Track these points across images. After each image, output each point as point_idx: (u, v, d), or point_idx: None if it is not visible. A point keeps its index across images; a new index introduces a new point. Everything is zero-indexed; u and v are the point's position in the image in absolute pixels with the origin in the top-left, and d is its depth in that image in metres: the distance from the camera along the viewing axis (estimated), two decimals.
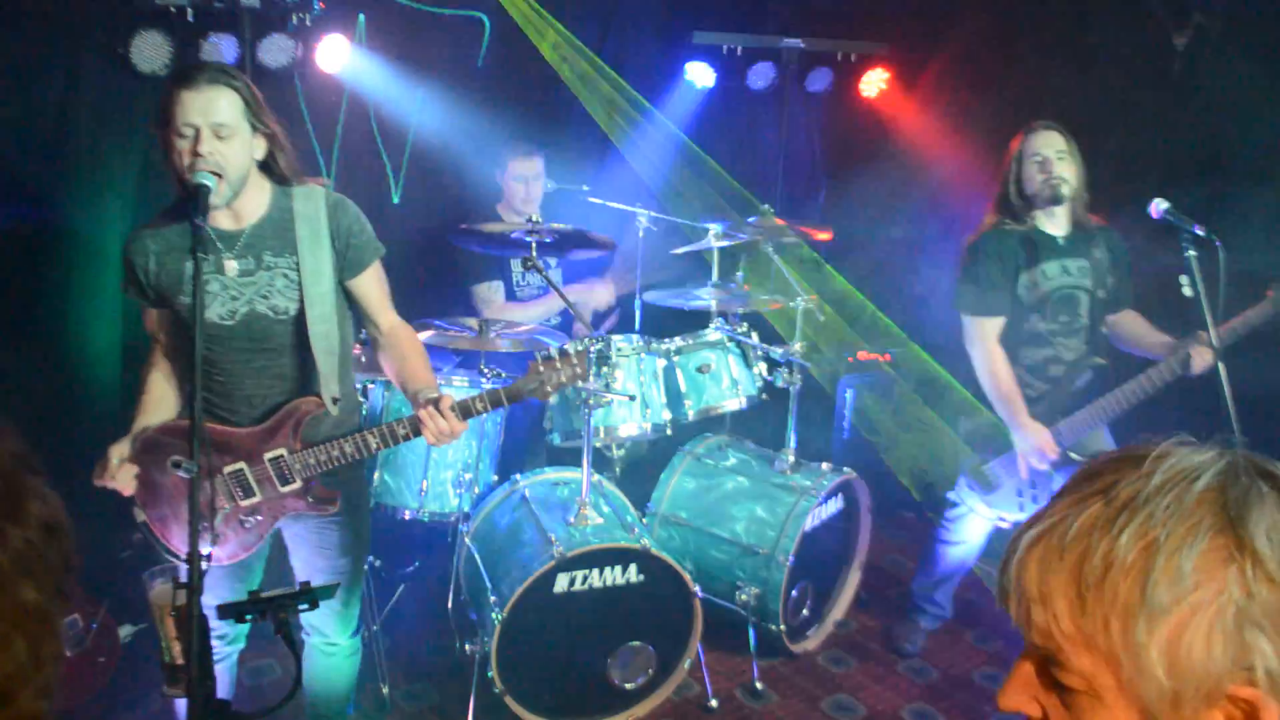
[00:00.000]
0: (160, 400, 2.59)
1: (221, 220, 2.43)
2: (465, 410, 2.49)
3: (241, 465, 2.51)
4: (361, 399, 2.96)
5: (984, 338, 3.41)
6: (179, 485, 2.46)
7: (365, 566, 2.90)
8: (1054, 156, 3.33)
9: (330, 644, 2.78)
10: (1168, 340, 3.40)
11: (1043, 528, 0.88)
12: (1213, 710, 0.81)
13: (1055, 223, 3.42)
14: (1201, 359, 3.22)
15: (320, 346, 2.49)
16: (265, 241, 2.46)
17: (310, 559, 2.67)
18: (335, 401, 2.54)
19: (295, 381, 2.54)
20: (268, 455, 2.51)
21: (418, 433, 2.47)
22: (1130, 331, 3.55)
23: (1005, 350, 3.43)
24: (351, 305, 2.64)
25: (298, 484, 2.52)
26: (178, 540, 2.50)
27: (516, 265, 4.23)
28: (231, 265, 2.43)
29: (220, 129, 2.29)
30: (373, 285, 2.62)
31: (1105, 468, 0.88)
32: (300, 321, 2.48)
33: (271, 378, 2.52)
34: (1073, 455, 3.36)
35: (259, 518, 2.55)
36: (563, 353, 2.63)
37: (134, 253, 2.47)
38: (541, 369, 2.59)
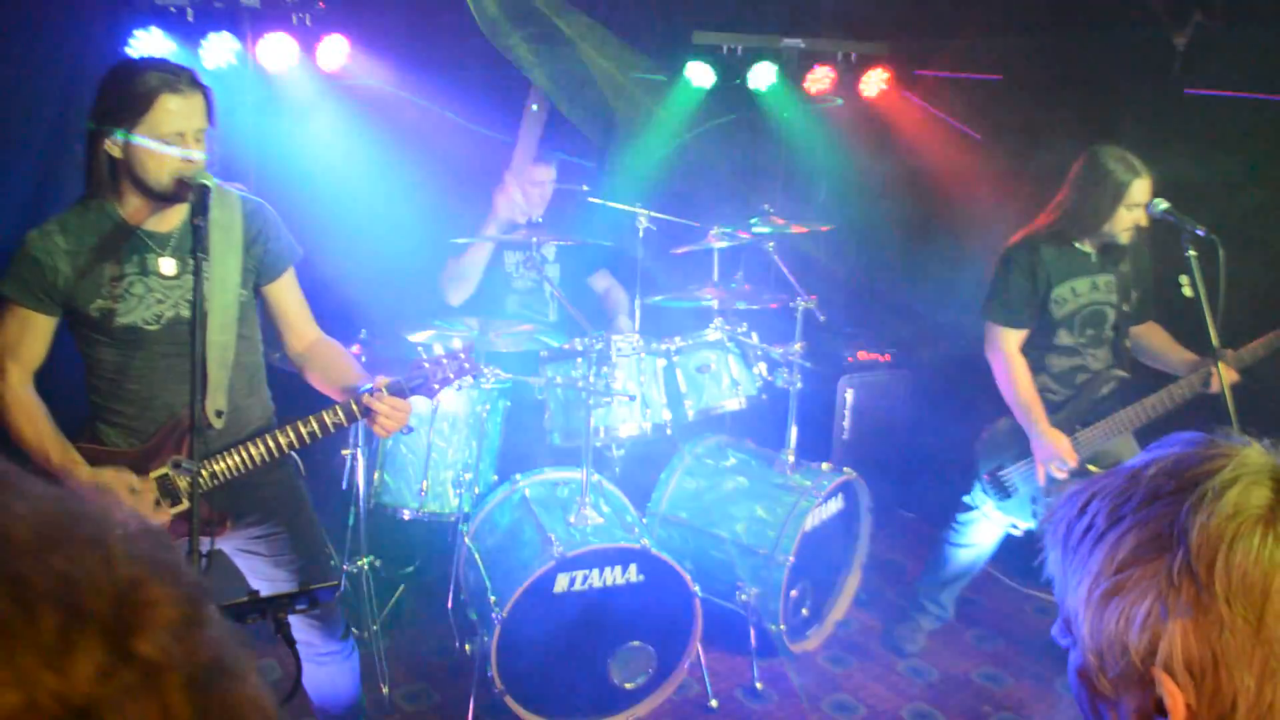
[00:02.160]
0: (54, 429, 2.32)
1: (151, 223, 2.37)
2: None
3: None
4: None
5: (1006, 346, 3.41)
6: None
7: (333, 564, 2.71)
8: (1144, 208, 3.26)
9: (320, 653, 2.65)
10: (1190, 358, 3.42)
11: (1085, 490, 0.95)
12: (1131, 685, 0.85)
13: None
14: (1219, 377, 3.23)
15: (215, 356, 2.39)
16: (190, 244, 2.38)
17: (271, 571, 2.56)
18: (219, 415, 2.42)
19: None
20: (154, 474, 2.34)
21: (325, 432, 2.37)
22: (1153, 345, 3.57)
23: (1032, 357, 3.43)
24: (271, 319, 2.57)
25: (186, 504, 2.32)
26: None
27: (511, 257, 4.19)
28: (168, 264, 2.37)
29: (200, 135, 2.29)
30: (290, 293, 2.58)
31: (1160, 448, 0.93)
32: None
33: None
34: (1090, 467, 3.35)
35: None
36: (450, 351, 2.55)
37: (39, 251, 2.27)
38: (427, 366, 2.52)
